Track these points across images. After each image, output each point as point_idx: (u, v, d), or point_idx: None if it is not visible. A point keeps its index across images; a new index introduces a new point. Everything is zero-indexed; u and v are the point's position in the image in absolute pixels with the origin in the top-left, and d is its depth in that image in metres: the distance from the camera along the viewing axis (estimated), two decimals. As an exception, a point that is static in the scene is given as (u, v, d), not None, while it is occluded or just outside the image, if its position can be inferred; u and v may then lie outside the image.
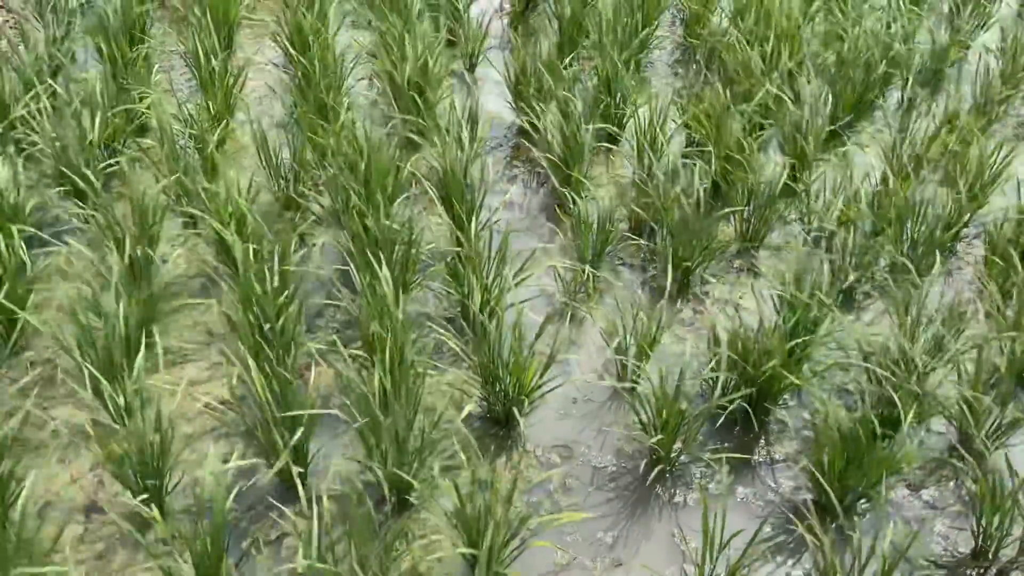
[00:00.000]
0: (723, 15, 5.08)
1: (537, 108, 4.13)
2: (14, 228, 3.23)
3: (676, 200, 3.44)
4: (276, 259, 3.13)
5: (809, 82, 4.35)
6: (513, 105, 4.40)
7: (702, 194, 3.44)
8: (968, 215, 3.66)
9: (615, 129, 4.17)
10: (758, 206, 3.58)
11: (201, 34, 4.25)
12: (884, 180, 3.76)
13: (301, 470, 2.64)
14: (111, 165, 3.82)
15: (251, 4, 5.26)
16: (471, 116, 3.86)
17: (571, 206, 3.66)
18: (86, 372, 2.72)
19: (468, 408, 2.80)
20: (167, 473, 2.56)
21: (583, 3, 4.77)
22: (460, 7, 4.87)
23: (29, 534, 2.49)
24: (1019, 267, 3.29)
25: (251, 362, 2.65)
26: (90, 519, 2.56)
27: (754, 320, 3.33)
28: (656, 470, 2.78)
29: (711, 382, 3.03)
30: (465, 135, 3.77)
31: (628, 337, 3.02)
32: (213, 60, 4.10)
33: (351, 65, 4.48)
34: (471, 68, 4.80)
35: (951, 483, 2.81)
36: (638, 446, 2.87)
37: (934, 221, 3.55)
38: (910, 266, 3.41)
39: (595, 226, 3.46)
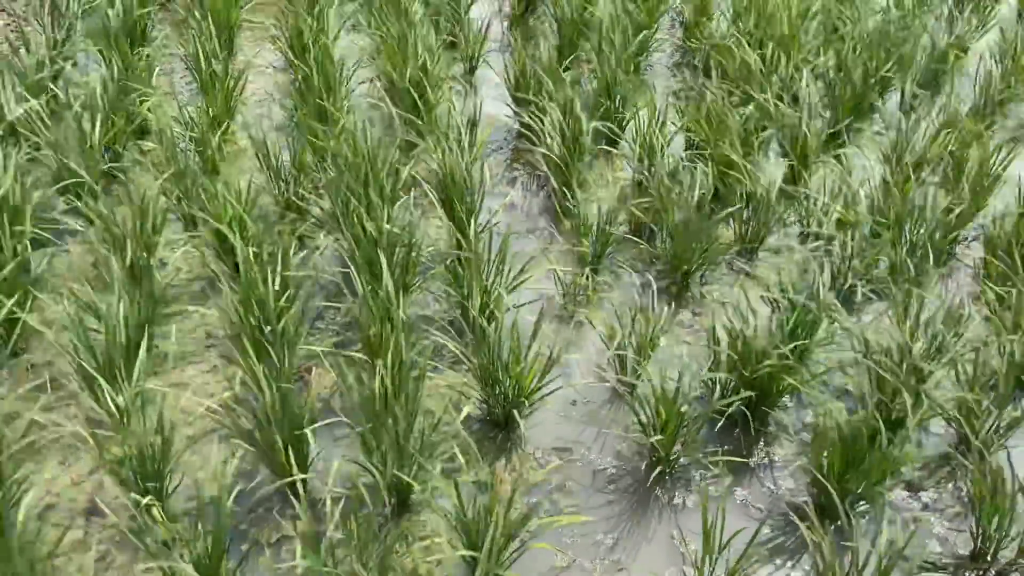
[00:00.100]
0: (722, 18, 5.09)
1: (537, 111, 4.14)
2: (15, 230, 3.24)
3: (675, 202, 3.45)
4: (277, 261, 3.14)
5: (808, 85, 4.36)
6: (513, 107, 4.41)
7: (701, 196, 3.45)
8: (967, 217, 3.67)
9: (615, 131, 4.18)
10: (757, 208, 3.59)
11: (202, 37, 4.27)
12: (883, 182, 3.76)
13: (302, 472, 2.65)
14: (112, 167, 3.83)
15: (252, 7, 5.28)
16: (471, 119, 3.87)
17: (571, 208, 3.67)
18: (87, 374, 2.72)
19: (466, 410, 2.80)
20: (167, 475, 2.57)
21: (582, 6, 4.78)
22: (460, 10, 4.89)
23: (30, 537, 2.49)
24: (1018, 269, 3.30)
25: (252, 364, 2.66)
26: (91, 522, 2.57)
27: (753, 322, 3.33)
28: (656, 472, 2.78)
29: (711, 384, 3.04)
30: (465, 138, 3.78)
31: (627, 339, 3.03)
32: (214, 63, 4.11)
33: (351, 68, 4.49)
34: (471, 71, 4.81)
35: (950, 484, 2.82)
36: (638, 448, 2.87)
37: (933, 223, 3.56)
38: (910, 268, 3.41)
39: (595, 228, 3.47)
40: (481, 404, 2.95)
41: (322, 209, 3.52)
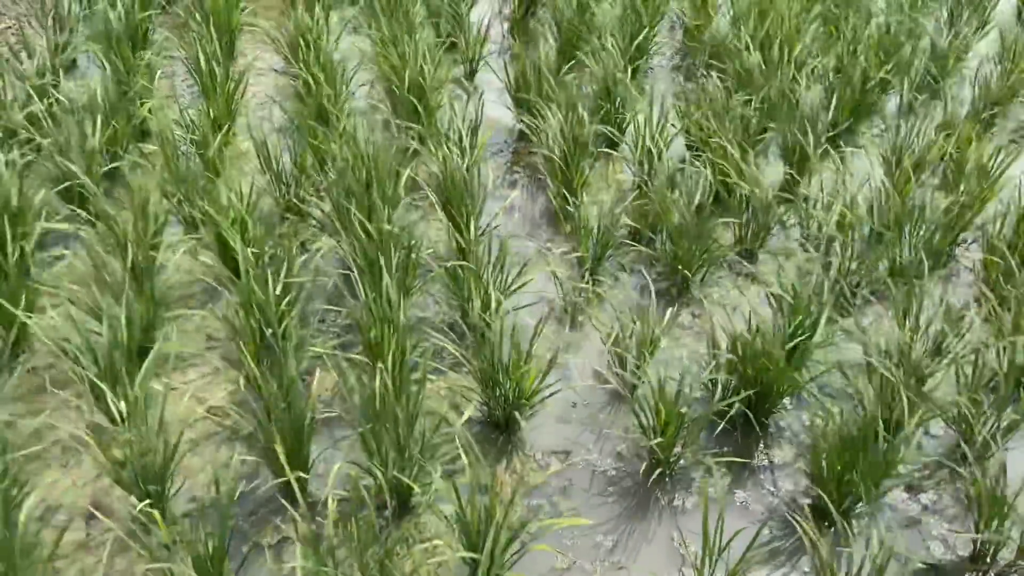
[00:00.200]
0: (722, 20, 5.10)
1: (537, 113, 4.15)
2: (16, 232, 3.25)
3: (675, 205, 3.46)
4: (279, 264, 3.15)
5: (808, 87, 4.36)
6: (513, 110, 4.42)
7: (701, 199, 3.46)
8: (967, 219, 3.67)
9: (615, 134, 4.19)
10: (757, 210, 3.60)
11: (202, 40, 4.28)
12: (883, 185, 3.77)
13: (302, 474, 2.65)
14: (113, 170, 3.84)
15: (252, 11, 5.29)
16: (471, 121, 3.88)
17: (571, 211, 3.68)
18: (88, 377, 2.73)
19: (468, 413, 2.81)
20: (169, 478, 2.58)
21: (582, 9, 4.79)
22: (460, 13, 4.90)
23: (31, 539, 2.50)
24: (1017, 271, 3.30)
25: (253, 367, 2.67)
26: (92, 524, 2.57)
27: (753, 324, 3.33)
28: (656, 473, 2.79)
29: (711, 386, 3.04)
30: (466, 140, 3.79)
31: (628, 341, 3.03)
32: (214, 66, 4.12)
33: (352, 71, 4.50)
34: (471, 74, 4.82)
35: (950, 486, 2.82)
36: (638, 450, 2.88)
37: (933, 225, 3.56)
38: (911, 270, 3.42)
39: (595, 231, 3.47)
40: (481, 406, 2.96)
41: (323, 212, 3.53)
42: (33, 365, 3.06)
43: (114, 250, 3.22)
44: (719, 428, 2.96)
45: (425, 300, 3.38)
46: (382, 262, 3.03)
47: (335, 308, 3.30)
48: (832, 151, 4.28)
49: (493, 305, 3.13)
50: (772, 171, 4.11)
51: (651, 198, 3.58)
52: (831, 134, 4.23)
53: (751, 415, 2.96)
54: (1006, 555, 2.58)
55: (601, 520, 2.66)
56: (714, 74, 4.54)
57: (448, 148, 3.65)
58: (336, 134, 3.72)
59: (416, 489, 2.57)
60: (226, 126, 4.05)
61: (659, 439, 2.70)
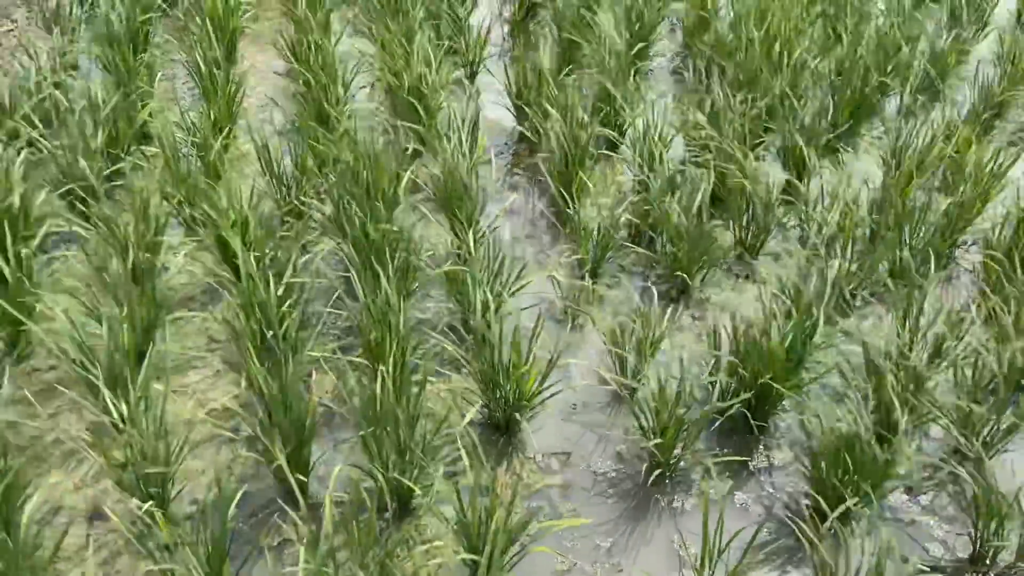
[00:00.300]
0: (722, 23, 5.11)
1: (537, 115, 4.15)
2: (18, 235, 3.25)
3: (675, 207, 3.46)
4: (279, 266, 3.15)
5: (808, 89, 4.37)
6: (513, 112, 4.42)
7: (701, 201, 3.46)
8: (967, 221, 3.68)
9: (615, 136, 4.20)
10: (757, 212, 3.60)
11: (203, 43, 4.29)
12: (883, 187, 3.78)
13: (303, 477, 2.66)
14: (115, 172, 3.84)
15: (253, 14, 5.30)
16: (472, 124, 3.89)
17: (571, 213, 3.68)
18: (89, 380, 2.74)
19: (469, 415, 2.81)
20: (170, 480, 2.58)
21: (582, 11, 4.80)
22: (460, 15, 4.90)
23: (33, 541, 2.50)
24: (1017, 273, 3.31)
25: (254, 369, 2.67)
26: (94, 526, 2.58)
27: (753, 326, 3.34)
28: (655, 475, 2.79)
29: (711, 387, 3.05)
30: (466, 143, 3.80)
31: (628, 343, 3.04)
32: (215, 69, 4.13)
33: (352, 74, 4.51)
34: (472, 76, 4.83)
35: (949, 488, 2.83)
36: (638, 451, 2.88)
37: (932, 227, 3.57)
38: (911, 271, 3.43)
39: (595, 233, 3.48)
40: (482, 408, 2.97)
41: (323, 214, 3.54)
42: (34, 367, 3.06)
43: (115, 252, 3.23)
44: (719, 429, 2.97)
45: (425, 302, 3.38)
46: (382, 264, 3.04)
47: (335, 311, 3.31)
48: (832, 153, 4.28)
49: (493, 307, 3.13)
50: (772, 173, 4.12)
51: (651, 200, 3.59)
52: (831, 135, 4.24)
53: (751, 416, 2.96)
54: (1006, 557, 2.59)
55: (601, 521, 2.67)
56: (714, 76, 4.54)
57: (448, 150, 3.66)
58: (337, 136, 3.73)
59: (417, 491, 2.58)
60: (227, 128, 4.06)
61: (659, 440, 2.71)
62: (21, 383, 3.00)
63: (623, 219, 3.74)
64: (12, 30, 4.91)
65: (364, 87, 4.67)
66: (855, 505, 2.69)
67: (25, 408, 2.91)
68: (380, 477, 2.53)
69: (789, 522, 2.69)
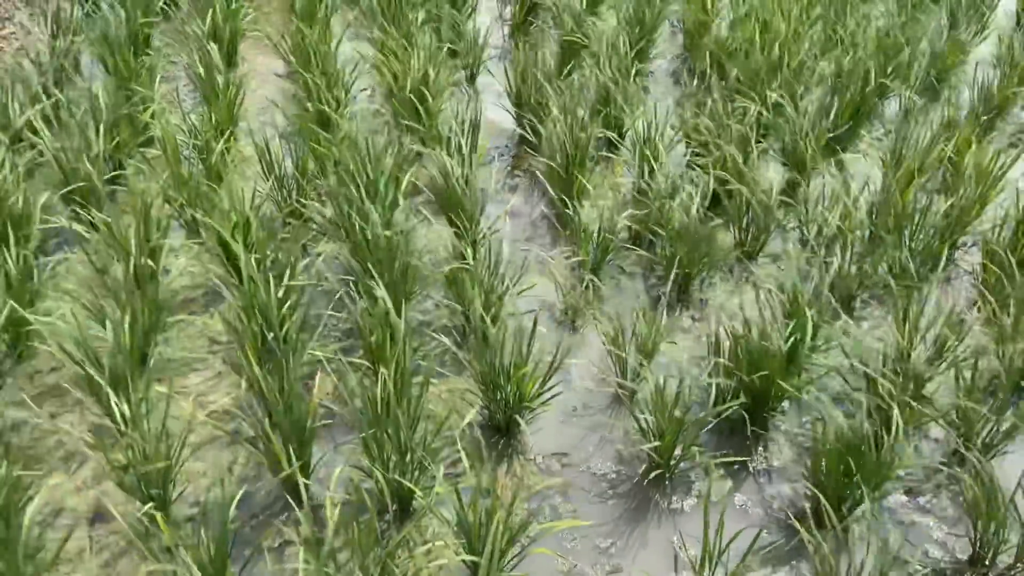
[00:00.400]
0: (722, 24, 5.12)
1: (538, 117, 4.16)
2: (20, 236, 3.26)
3: (675, 209, 3.47)
4: (280, 268, 3.16)
5: (809, 90, 4.38)
6: (514, 114, 4.43)
7: (701, 203, 3.47)
8: (966, 223, 3.68)
9: (615, 138, 4.20)
10: (757, 214, 3.61)
11: (204, 46, 4.30)
12: (883, 188, 3.78)
13: (304, 478, 2.66)
14: (116, 175, 3.85)
15: (254, 17, 5.31)
16: (472, 126, 3.90)
17: (571, 215, 3.69)
18: (91, 382, 2.74)
19: (469, 417, 2.82)
20: (171, 481, 2.59)
21: (582, 13, 4.81)
22: (461, 18, 4.91)
23: (35, 543, 2.51)
24: (1016, 275, 3.31)
25: (255, 370, 2.68)
26: (95, 528, 2.59)
27: (753, 327, 3.35)
28: (655, 476, 2.80)
29: (711, 389, 3.05)
30: (466, 145, 3.81)
31: (628, 345, 3.05)
32: (216, 72, 4.14)
33: (353, 76, 4.52)
34: (472, 78, 4.84)
35: (949, 490, 2.83)
36: (638, 453, 2.89)
37: (932, 229, 3.57)
38: (910, 273, 3.43)
39: (595, 235, 3.49)
40: (482, 410, 2.97)
41: (324, 216, 3.55)
42: (37, 369, 3.07)
43: (117, 254, 3.24)
44: (719, 431, 2.97)
45: (426, 303, 3.39)
46: (383, 267, 3.05)
47: (337, 315, 3.32)
48: (832, 154, 4.29)
49: (493, 309, 3.14)
50: (772, 174, 4.12)
51: (651, 202, 3.59)
52: (831, 136, 4.24)
53: (751, 418, 2.97)
54: (1005, 558, 2.59)
55: (601, 523, 2.67)
56: (714, 77, 4.55)
57: (449, 152, 3.67)
58: (337, 139, 3.74)
59: (417, 492, 2.58)
60: (228, 131, 4.07)
61: (658, 442, 2.71)
62: (23, 385, 3.01)
63: (623, 221, 3.75)
64: (14, 33, 4.92)
65: (364, 90, 4.68)
66: (855, 507, 2.69)
67: (27, 410, 2.92)
68: (381, 478, 2.53)
69: (788, 523, 2.70)
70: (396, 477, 2.55)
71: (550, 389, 3.00)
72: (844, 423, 2.62)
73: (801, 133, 3.97)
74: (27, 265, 3.20)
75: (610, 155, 4.24)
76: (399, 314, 2.92)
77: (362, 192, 3.38)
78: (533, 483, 2.78)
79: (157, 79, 4.33)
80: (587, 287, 3.49)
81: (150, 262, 3.19)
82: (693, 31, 5.05)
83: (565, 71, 4.61)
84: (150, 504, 2.49)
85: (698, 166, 3.96)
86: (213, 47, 4.28)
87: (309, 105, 4.12)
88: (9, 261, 3.11)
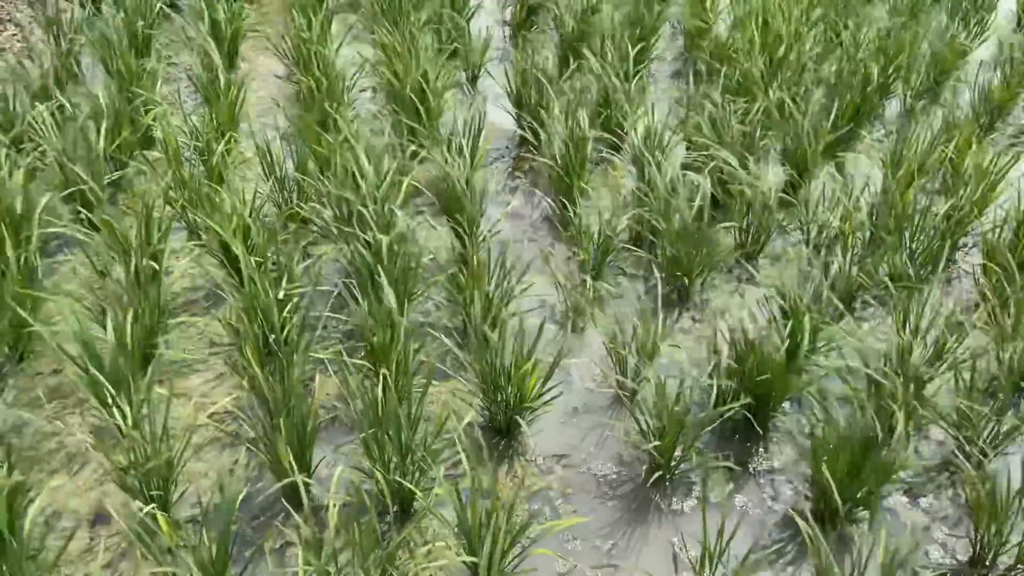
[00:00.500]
0: (723, 25, 5.12)
1: (538, 119, 4.17)
2: (22, 238, 3.27)
3: (676, 210, 3.47)
4: (281, 270, 3.17)
5: (809, 92, 4.38)
6: (514, 116, 4.44)
7: (701, 204, 3.47)
8: (967, 223, 3.69)
9: (616, 140, 4.21)
10: (757, 215, 3.61)
11: (205, 47, 4.30)
12: (883, 189, 3.79)
13: (305, 479, 2.67)
14: (117, 177, 3.86)
15: (255, 18, 5.32)
16: (473, 127, 3.90)
17: (572, 216, 3.70)
18: (93, 383, 2.75)
19: (468, 417, 2.83)
20: (173, 482, 2.59)
21: (583, 15, 4.82)
22: (461, 19, 4.92)
23: (36, 544, 2.51)
24: (1016, 276, 3.32)
25: (257, 372, 2.68)
26: (97, 529, 2.59)
27: (754, 328, 3.35)
28: (656, 477, 2.80)
29: (711, 390, 3.05)
30: (467, 146, 3.81)
31: (628, 346, 3.05)
32: (217, 73, 4.15)
33: (354, 77, 4.53)
34: (473, 80, 4.85)
35: (949, 491, 2.83)
36: (638, 454, 2.89)
37: (933, 230, 3.57)
38: (910, 274, 3.43)
39: (596, 236, 3.49)
40: (483, 411, 2.98)
41: (325, 218, 3.55)
42: (38, 371, 3.08)
43: (118, 256, 3.24)
44: (720, 432, 2.98)
45: (427, 305, 3.40)
46: (384, 268, 3.05)
47: (338, 316, 3.32)
48: (833, 155, 4.29)
49: (494, 310, 3.14)
50: (772, 176, 4.13)
51: (652, 203, 3.60)
52: (831, 138, 4.25)
53: (751, 419, 2.97)
54: (1005, 559, 2.59)
55: (602, 524, 2.67)
56: (715, 79, 4.55)
57: (450, 154, 3.68)
58: (338, 140, 3.74)
59: (418, 493, 2.59)
60: (229, 133, 4.07)
61: (659, 443, 2.71)
62: (24, 386, 3.01)
63: (624, 222, 3.75)
64: (15, 34, 4.93)
65: (365, 91, 4.68)
66: (856, 508, 2.69)
67: (28, 411, 2.92)
68: (381, 479, 2.54)
69: (790, 525, 2.70)
70: (397, 478, 2.55)
71: (551, 390, 3.00)
72: (845, 424, 2.62)
73: (802, 134, 3.97)
74: (29, 267, 3.21)
75: (610, 156, 4.24)
76: (400, 315, 2.93)
77: (363, 193, 3.38)
78: (533, 484, 2.78)
79: (159, 81, 4.34)
80: (588, 288, 3.49)
81: (151, 263, 3.19)
82: (693, 32, 5.05)
83: (566, 72, 4.62)
84: (151, 505, 2.49)
85: (698, 167, 3.96)
86: (214, 48, 4.28)
87: (310, 106, 4.13)
88: (11, 262, 3.11)
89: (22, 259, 3.16)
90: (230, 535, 2.32)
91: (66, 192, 3.59)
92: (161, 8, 5.09)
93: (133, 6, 4.66)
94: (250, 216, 3.35)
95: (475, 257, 3.12)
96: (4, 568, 2.26)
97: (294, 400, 2.58)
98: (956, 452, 2.92)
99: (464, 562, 2.50)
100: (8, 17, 5.06)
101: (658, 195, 3.57)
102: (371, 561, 2.26)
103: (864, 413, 2.66)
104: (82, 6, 5.11)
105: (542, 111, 4.15)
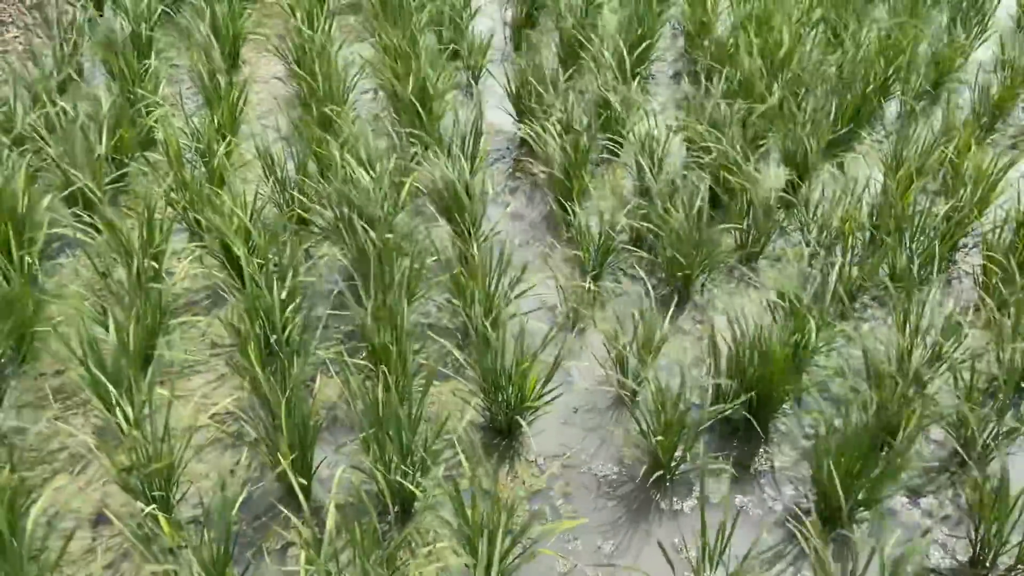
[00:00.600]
0: (724, 26, 5.12)
1: (539, 120, 4.17)
2: (23, 240, 3.28)
3: (676, 211, 3.48)
4: (283, 271, 3.17)
5: (809, 92, 4.39)
6: (515, 117, 4.44)
7: (701, 205, 3.48)
8: (967, 224, 3.69)
9: (616, 140, 4.21)
10: (758, 216, 3.62)
11: (206, 49, 4.31)
12: (883, 190, 3.79)
13: (305, 480, 2.68)
14: (119, 178, 3.87)
15: (256, 20, 5.33)
16: (474, 128, 3.91)
17: (572, 217, 3.70)
18: (95, 384, 2.76)
19: (468, 417, 2.83)
20: (174, 483, 2.60)
21: (584, 16, 4.82)
22: (462, 21, 4.93)
23: (38, 545, 2.52)
24: (1016, 277, 3.32)
25: (258, 373, 2.69)
26: (99, 530, 2.60)
27: (754, 328, 3.35)
28: (657, 477, 2.80)
29: (712, 390, 3.06)
30: (468, 147, 3.82)
31: (629, 346, 3.05)
32: (218, 75, 4.15)
33: (354, 79, 4.54)
34: (474, 80, 4.85)
35: (949, 491, 2.83)
36: (639, 454, 2.89)
37: (933, 231, 3.58)
38: (910, 275, 3.44)
39: (596, 237, 3.50)
40: (484, 411, 2.98)
41: (326, 219, 3.56)
42: (41, 372, 3.09)
43: (120, 257, 3.25)
44: (721, 432, 2.98)
45: (428, 306, 3.40)
46: (385, 269, 3.06)
47: (339, 314, 3.33)
48: (833, 156, 4.30)
49: (495, 311, 3.15)
50: (773, 176, 4.13)
51: (652, 204, 3.60)
52: (832, 138, 4.25)
53: (752, 419, 2.97)
54: (1005, 560, 2.60)
55: (602, 524, 2.68)
56: (715, 80, 4.56)
57: (450, 155, 3.68)
58: (339, 142, 3.75)
59: (418, 494, 2.59)
60: (230, 134, 4.08)
61: (660, 444, 2.72)
62: (27, 387, 3.02)
63: (624, 222, 3.76)
64: (17, 36, 4.94)
65: (367, 92, 4.69)
66: (856, 508, 2.70)
67: (31, 412, 2.93)
68: (382, 480, 2.54)
69: (789, 525, 2.70)
70: (398, 479, 2.56)
71: (551, 391, 3.01)
72: (846, 425, 2.63)
73: (803, 134, 3.98)
74: (31, 268, 3.22)
75: (611, 157, 4.25)
76: (401, 316, 2.93)
77: (364, 194, 3.39)
78: (534, 484, 2.79)
79: (160, 82, 4.35)
80: (588, 288, 3.50)
81: (153, 264, 3.20)
82: (694, 33, 5.06)
83: (566, 73, 4.62)
84: (152, 506, 2.50)
85: (699, 167, 3.96)
86: (215, 50, 4.29)
87: (311, 107, 4.13)
88: (13, 264, 3.12)
89: (25, 260, 3.17)
90: (231, 536, 2.32)
91: (66, 192, 3.60)
92: (162, 10, 5.10)
93: (135, 7, 4.67)
94: (251, 217, 3.35)
95: (476, 257, 3.12)
96: (7, 568, 2.27)
97: (295, 401, 2.59)
98: (957, 452, 2.93)
99: (465, 562, 2.51)
100: (10, 19, 5.08)
101: (659, 195, 3.58)
102: (372, 562, 2.26)
103: (866, 413, 2.67)
104: (84, 8, 5.12)
105: (543, 112, 4.15)
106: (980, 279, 3.62)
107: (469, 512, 2.37)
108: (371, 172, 3.48)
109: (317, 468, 2.79)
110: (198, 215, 3.53)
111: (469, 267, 3.16)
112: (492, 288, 3.18)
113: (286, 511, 2.66)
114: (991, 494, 2.50)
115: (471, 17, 5.15)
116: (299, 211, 3.69)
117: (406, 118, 4.13)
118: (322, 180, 3.71)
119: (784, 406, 3.05)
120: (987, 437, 2.84)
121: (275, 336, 2.98)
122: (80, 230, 3.49)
